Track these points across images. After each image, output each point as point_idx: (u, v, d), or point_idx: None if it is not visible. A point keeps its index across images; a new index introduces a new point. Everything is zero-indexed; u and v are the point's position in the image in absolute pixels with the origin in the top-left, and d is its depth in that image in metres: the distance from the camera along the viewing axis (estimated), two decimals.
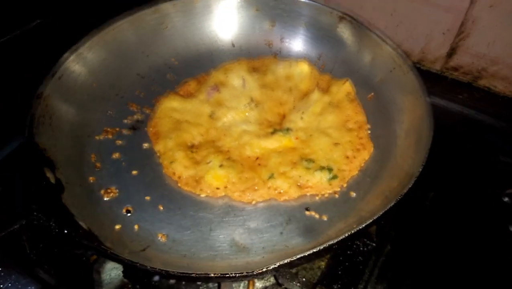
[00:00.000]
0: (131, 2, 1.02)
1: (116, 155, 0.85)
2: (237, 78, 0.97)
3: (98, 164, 0.83)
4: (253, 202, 0.78)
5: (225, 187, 0.78)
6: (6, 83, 1.13)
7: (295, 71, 0.99)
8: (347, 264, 0.76)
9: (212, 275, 0.59)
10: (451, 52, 1.21)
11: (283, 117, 0.92)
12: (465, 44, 1.17)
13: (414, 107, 0.84)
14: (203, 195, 0.79)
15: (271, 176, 0.78)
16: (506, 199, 0.88)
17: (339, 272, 0.75)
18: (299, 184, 0.78)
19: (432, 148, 0.74)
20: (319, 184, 0.78)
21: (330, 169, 0.79)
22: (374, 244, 0.78)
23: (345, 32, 1.02)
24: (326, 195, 0.79)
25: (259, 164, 0.80)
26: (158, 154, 0.85)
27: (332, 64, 1.04)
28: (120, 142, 0.88)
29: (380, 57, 0.95)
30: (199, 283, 0.76)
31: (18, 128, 0.94)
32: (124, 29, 0.99)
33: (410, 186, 0.67)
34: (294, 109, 0.92)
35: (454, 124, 1.07)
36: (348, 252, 0.78)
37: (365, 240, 0.79)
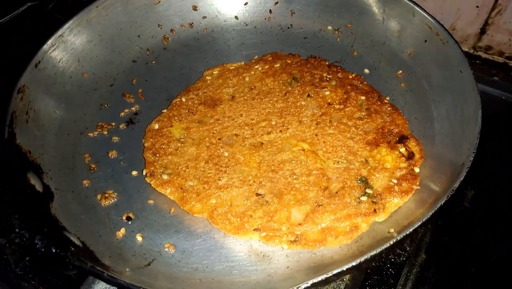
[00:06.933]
0: None
1: (113, 154, 0.77)
2: None
3: (92, 165, 0.75)
4: None
5: None
6: None
7: None
8: (376, 277, 0.67)
9: None
10: (484, 29, 1.08)
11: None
12: (500, 19, 1.04)
13: (455, 83, 0.74)
14: None
15: None
16: None
17: (367, 287, 0.67)
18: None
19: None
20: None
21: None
22: (406, 254, 0.69)
23: None
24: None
25: None
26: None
27: (353, 37, 0.92)
28: (116, 138, 0.79)
29: (411, 26, 0.84)
30: None
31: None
32: (110, 6, 0.87)
33: (462, 178, 0.57)
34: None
35: (491, 109, 0.96)
36: (377, 263, 0.69)
37: (397, 249, 0.70)
